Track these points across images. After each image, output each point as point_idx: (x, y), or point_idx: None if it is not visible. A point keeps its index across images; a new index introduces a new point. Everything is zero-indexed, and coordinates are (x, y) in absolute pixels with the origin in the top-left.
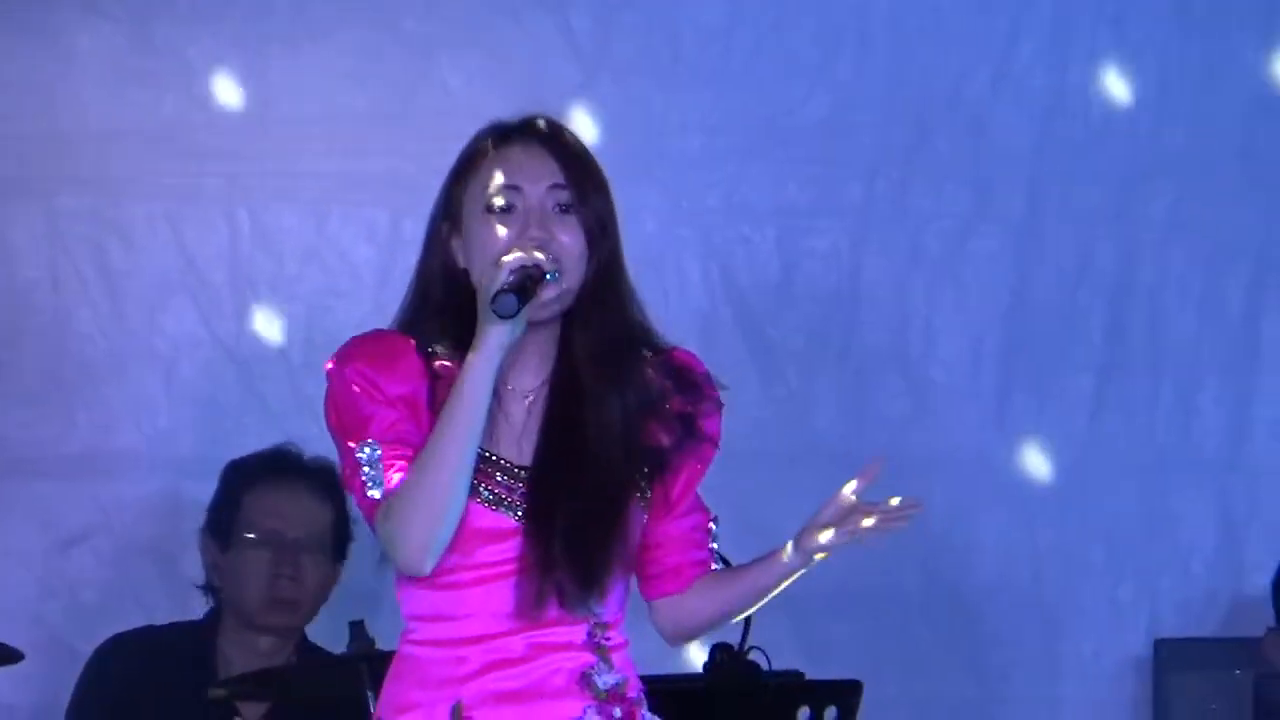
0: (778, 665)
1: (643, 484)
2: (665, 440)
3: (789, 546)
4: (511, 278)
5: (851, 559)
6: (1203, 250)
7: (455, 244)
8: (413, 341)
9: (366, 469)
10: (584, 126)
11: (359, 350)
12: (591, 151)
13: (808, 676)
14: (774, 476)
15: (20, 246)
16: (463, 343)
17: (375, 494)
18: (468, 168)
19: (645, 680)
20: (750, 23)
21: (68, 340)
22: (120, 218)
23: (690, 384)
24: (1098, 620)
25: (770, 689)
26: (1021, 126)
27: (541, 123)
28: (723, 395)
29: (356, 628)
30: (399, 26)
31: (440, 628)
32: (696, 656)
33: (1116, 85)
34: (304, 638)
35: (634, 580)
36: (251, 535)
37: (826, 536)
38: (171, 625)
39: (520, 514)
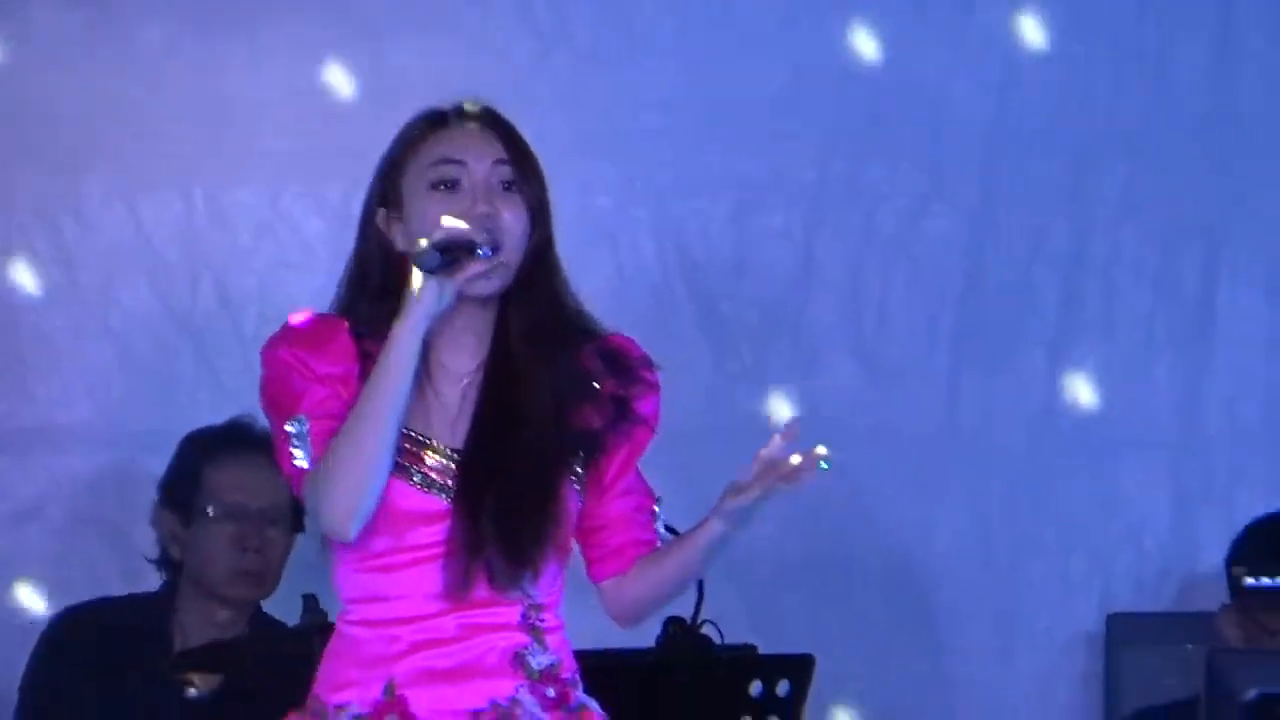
0: (730, 639)
1: (576, 466)
2: (597, 422)
3: (712, 515)
4: (440, 235)
5: (806, 534)
6: (1156, 228)
7: (396, 229)
8: (345, 323)
9: (295, 441)
10: (541, 104)
11: (292, 332)
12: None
13: (760, 650)
14: (726, 452)
15: None
16: None
17: (303, 463)
18: (406, 151)
19: (596, 655)
20: (706, 0)
21: (20, 314)
22: (74, 193)
23: (624, 367)
24: (1050, 596)
25: (722, 663)
26: (976, 104)
27: (477, 107)
28: (680, 372)
29: (309, 600)
30: (355, 6)
31: (374, 608)
32: (649, 630)
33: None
34: (259, 610)
35: (583, 564)
36: (215, 509)
37: (744, 496)
38: (127, 597)
39: (451, 496)
